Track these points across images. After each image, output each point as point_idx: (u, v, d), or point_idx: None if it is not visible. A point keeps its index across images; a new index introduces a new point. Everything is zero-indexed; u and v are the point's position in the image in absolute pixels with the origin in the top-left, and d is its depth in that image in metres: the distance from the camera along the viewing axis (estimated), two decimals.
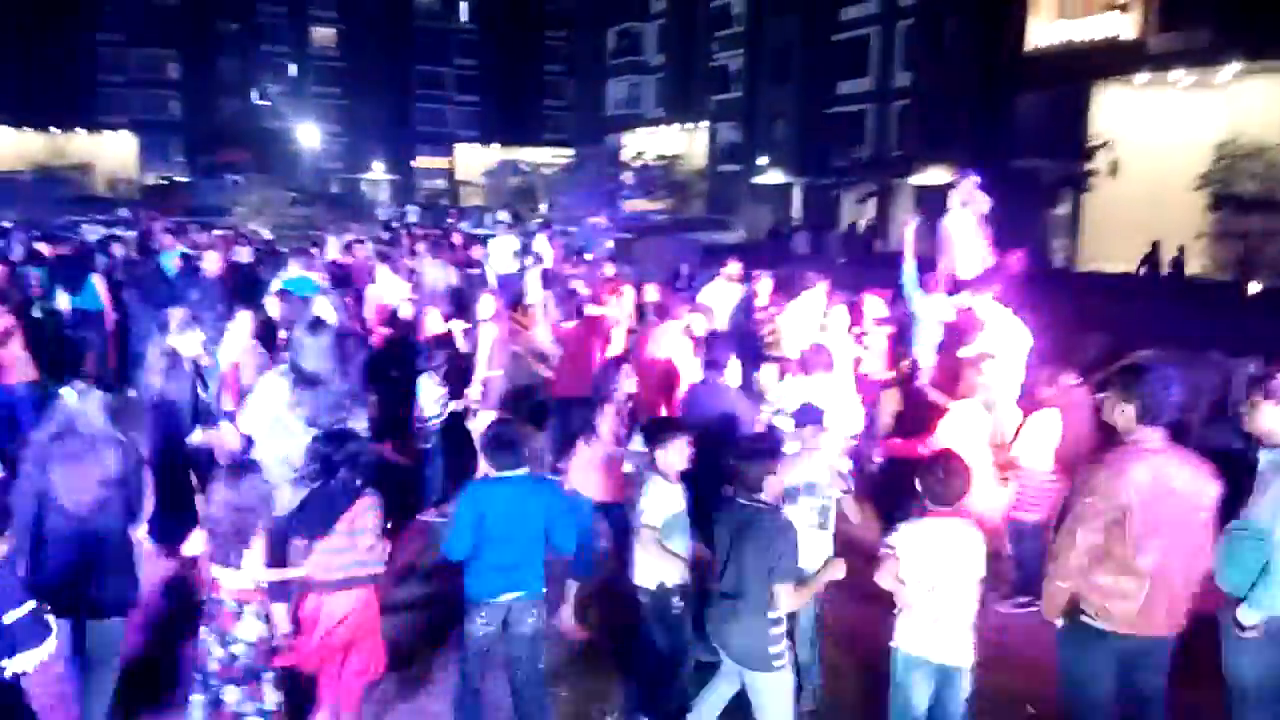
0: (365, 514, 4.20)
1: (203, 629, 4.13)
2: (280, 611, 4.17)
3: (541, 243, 14.44)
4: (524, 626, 4.23)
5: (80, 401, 4.29)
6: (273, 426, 5.16)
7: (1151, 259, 21.83)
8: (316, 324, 5.63)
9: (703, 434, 4.76)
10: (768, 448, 4.20)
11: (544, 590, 4.31)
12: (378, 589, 4.36)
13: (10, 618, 3.21)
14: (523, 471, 4.23)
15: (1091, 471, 3.71)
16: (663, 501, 4.43)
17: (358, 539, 4.17)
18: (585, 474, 5.55)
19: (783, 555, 3.88)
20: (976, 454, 5.14)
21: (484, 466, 4.44)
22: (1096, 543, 3.62)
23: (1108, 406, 3.73)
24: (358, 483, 4.23)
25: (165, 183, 53.95)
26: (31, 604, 3.31)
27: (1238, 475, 3.95)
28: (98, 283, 10.76)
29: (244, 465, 4.38)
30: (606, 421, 5.54)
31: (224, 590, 4.11)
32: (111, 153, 59.93)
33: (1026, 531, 5.67)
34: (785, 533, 3.95)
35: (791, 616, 4.32)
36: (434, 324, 10.00)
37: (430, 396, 7.39)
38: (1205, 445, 7.72)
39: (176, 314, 6.19)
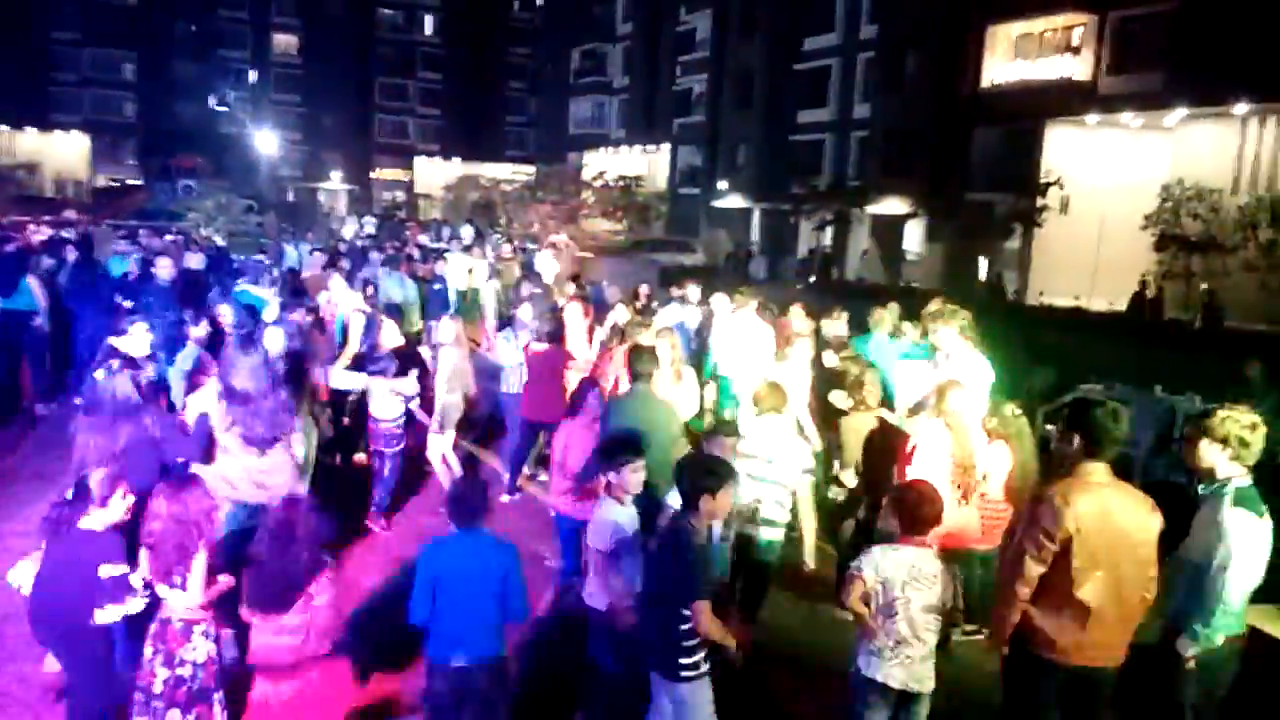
0: (322, 592, 4.03)
1: (147, 648, 3.98)
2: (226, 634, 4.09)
3: (545, 260, 14.33)
4: (483, 690, 4.11)
5: (108, 379, 4.90)
6: None
7: (1140, 297, 22.26)
8: (247, 340, 5.57)
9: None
10: (713, 470, 4.18)
11: (504, 654, 4.19)
12: (325, 667, 4.15)
13: (105, 572, 3.93)
14: (482, 530, 4.12)
15: (1037, 502, 3.77)
16: (608, 523, 4.42)
17: (314, 619, 4.00)
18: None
19: (693, 572, 3.85)
20: (943, 477, 5.22)
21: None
22: (1042, 573, 3.67)
23: (1056, 439, 3.80)
24: (321, 559, 4.06)
25: (117, 185, 52.96)
26: (126, 567, 3.99)
27: (1180, 509, 4.05)
28: (33, 284, 10.43)
29: (185, 478, 4.25)
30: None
31: (170, 610, 3.98)
32: (62, 152, 58.65)
33: (977, 560, 5.73)
34: (699, 550, 3.91)
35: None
36: (390, 337, 9.90)
37: (383, 401, 7.29)
38: (1148, 479, 7.95)
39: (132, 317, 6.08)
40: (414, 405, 7.62)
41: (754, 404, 5.81)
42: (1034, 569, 3.66)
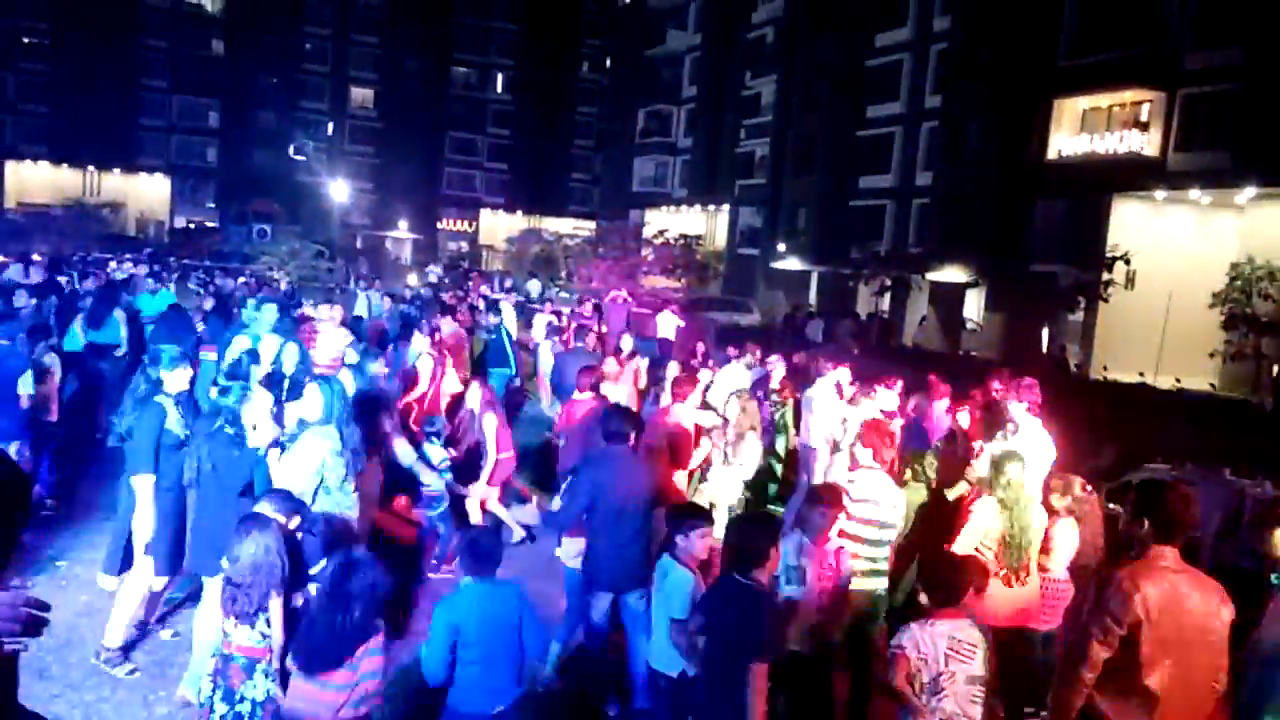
0: (373, 655, 3.88)
1: (206, 682, 4.04)
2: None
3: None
4: None
5: (231, 401, 5.30)
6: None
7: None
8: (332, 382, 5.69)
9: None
10: (768, 526, 4.19)
11: (524, 691, 4.22)
12: None
13: None
14: (492, 577, 4.12)
15: (1105, 585, 3.69)
16: (682, 589, 4.40)
17: (362, 684, 3.85)
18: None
19: (764, 632, 3.87)
20: (991, 554, 5.15)
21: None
22: (1107, 657, 3.60)
23: (1124, 521, 3.75)
24: (374, 621, 3.91)
25: (194, 226, 54.91)
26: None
27: (1249, 596, 3.95)
28: (120, 319, 10.89)
29: (267, 519, 4.24)
30: None
31: (234, 646, 4.01)
32: (145, 193, 61.14)
33: (1038, 640, 5.61)
34: (772, 613, 3.95)
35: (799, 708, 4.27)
36: (452, 384, 10.15)
37: (433, 461, 7.43)
38: (1217, 563, 7.72)
39: (170, 349, 6.16)
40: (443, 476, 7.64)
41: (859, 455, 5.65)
42: (1099, 653, 3.58)
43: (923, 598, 4.00)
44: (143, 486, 5.44)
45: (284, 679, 4.11)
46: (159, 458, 5.49)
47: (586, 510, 5.44)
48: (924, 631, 3.89)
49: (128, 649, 5.60)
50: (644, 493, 5.47)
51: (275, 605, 4.03)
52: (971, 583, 4.00)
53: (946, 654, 3.82)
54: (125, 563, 5.71)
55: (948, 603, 3.92)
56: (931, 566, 4.04)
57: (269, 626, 4.05)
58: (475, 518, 7.82)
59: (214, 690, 4.01)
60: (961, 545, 5.21)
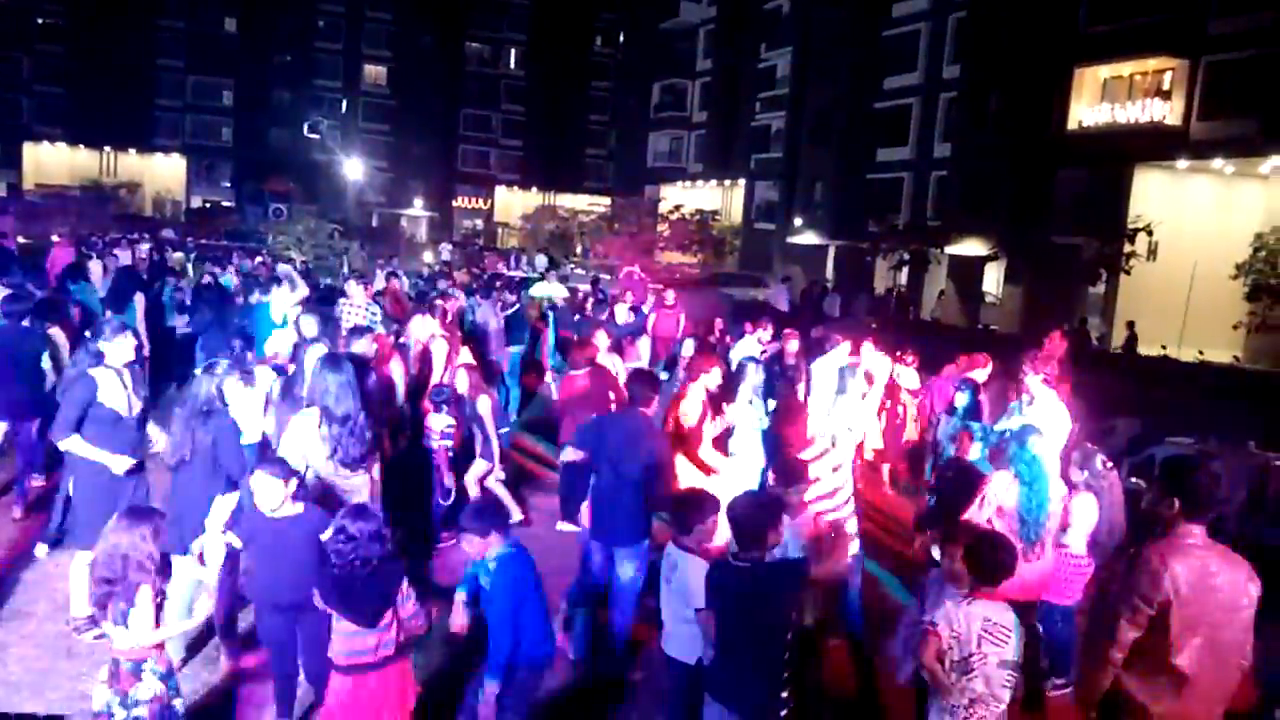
0: (406, 598, 4.06)
1: (103, 689, 3.88)
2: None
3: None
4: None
5: (202, 379, 5.26)
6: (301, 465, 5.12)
7: None
8: (335, 360, 5.56)
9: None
10: (770, 504, 4.18)
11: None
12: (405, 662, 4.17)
13: None
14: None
15: (1132, 563, 3.63)
16: (698, 579, 4.31)
17: (402, 619, 4.04)
18: None
19: (790, 607, 3.96)
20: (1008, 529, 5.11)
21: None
22: (1136, 637, 3.55)
23: (1152, 498, 3.68)
24: (399, 564, 4.06)
25: (210, 206, 55.09)
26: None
27: (1275, 569, 3.89)
28: (138, 303, 10.94)
29: (146, 510, 4.12)
30: None
31: (116, 650, 3.85)
32: (161, 174, 61.36)
33: (1058, 615, 5.58)
34: (791, 586, 4.01)
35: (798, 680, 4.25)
36: (465, 358, 10.14)
37: (436, 427, 7.48)
38: (1241, 539, 7.64)
39: (113, 322, 6.00)
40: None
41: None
42: (1128, 633, 3.53)
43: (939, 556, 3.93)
44: (70, 447, 5.39)
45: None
46: (97, 431, 5.40)
47: (593, 463, 5.70)
48: (959, 611, 3.84)
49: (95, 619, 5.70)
50: (646, 455, 5.55)
51: (144, 597, 3.81)
52: (1014, 565, 3.96)
53: (980, 635, 3.78)
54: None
55: (987, 583, 3.86)
56: (973, 545, 3.97)
57: (147, 630, 3.88)
58: (473, 492, 7.83)
59: (111, 696, 3.86)
60: (973, 518, 5.18)
